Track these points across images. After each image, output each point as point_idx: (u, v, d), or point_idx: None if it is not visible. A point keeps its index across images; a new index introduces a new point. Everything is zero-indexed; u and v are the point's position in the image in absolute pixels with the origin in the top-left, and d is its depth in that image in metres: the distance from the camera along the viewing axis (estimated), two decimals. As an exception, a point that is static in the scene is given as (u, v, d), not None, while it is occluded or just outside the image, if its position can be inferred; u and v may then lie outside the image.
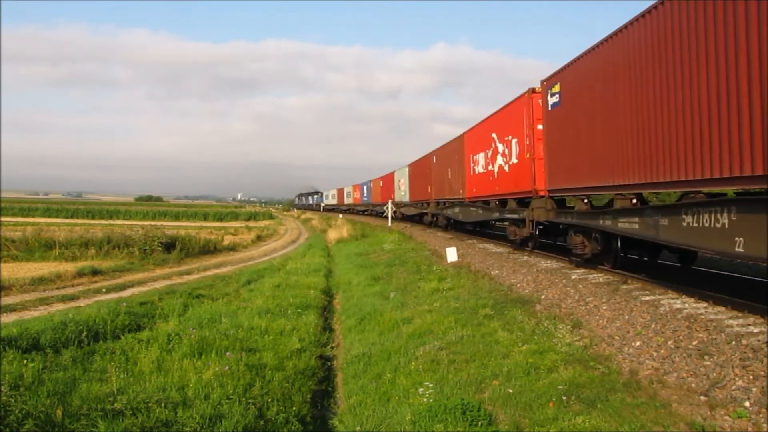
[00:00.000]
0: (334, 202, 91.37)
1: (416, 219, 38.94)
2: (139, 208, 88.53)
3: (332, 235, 37.60)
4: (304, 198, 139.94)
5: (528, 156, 15.38)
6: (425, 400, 6.61)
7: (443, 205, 28.91)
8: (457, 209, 25.78)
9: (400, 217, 43.53)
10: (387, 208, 39.31)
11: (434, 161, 30.80)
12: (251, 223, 67.95)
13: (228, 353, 8.75)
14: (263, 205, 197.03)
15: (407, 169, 40.64)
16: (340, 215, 68.35)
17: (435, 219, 32.22)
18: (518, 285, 12.40)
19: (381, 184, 54.81)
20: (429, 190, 32.42)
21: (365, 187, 65.43)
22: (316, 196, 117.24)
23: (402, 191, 42.52)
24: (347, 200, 78.07)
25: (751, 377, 5.72)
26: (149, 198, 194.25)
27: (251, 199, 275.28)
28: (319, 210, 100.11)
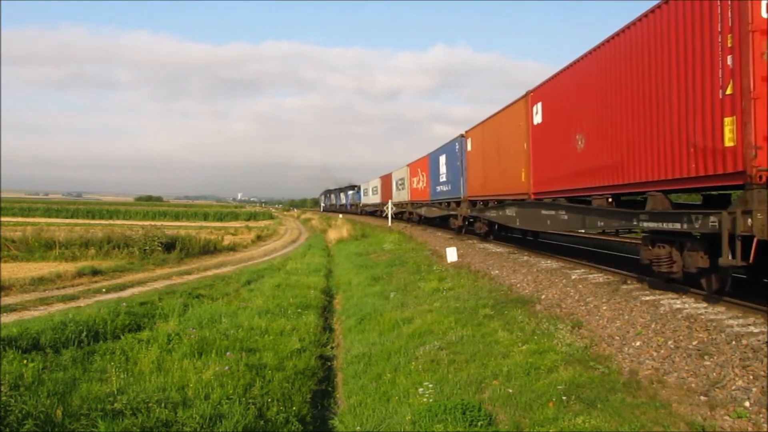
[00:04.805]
0: (377, 199, 57.87)
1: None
2: (139, 208, 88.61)
3: (332, 235, 37.64)
4: (335, 196, 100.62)
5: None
6: (425, 400, 6.61)
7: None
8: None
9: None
10: (387, 207, 39.58)
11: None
12: (251, 223, 68.03)
13: (228, 353, 8.75)
14: (263, 205, 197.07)
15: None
16: (340, 215, 67.13)
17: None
18: (518, 285, 12.40)
19: (499, 138, 18.86)
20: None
21: (443, 159, 27.81)
22: (351, 193, 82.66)
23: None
24: (398, 195, 44.12)
25: (751, 377, 5.72)
26: (149, 198, 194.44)
27: (251, 199, 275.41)
28: (358, 213, 70.88)
